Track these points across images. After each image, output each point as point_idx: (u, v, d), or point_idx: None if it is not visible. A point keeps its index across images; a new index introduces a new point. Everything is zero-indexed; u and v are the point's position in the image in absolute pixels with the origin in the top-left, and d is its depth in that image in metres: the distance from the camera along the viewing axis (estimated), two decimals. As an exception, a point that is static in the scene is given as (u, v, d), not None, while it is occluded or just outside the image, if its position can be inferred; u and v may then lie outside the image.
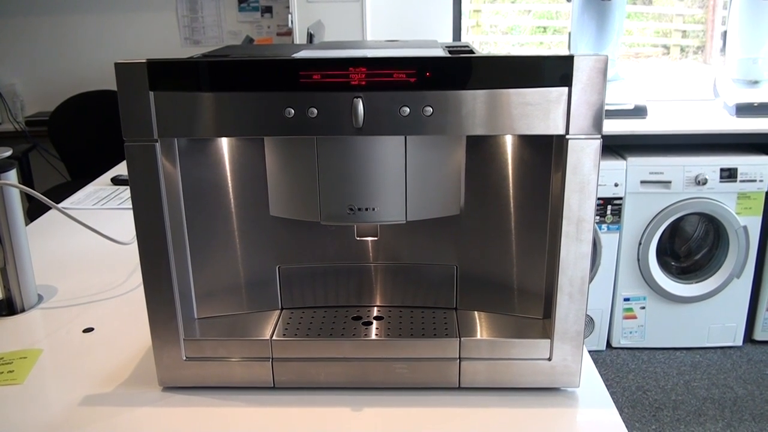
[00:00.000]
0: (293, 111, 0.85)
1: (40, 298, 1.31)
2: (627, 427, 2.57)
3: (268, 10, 3.99)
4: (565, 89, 0.84)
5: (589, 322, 2.99)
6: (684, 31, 3.86)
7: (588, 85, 0.84)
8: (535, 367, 0.96)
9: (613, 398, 2.68)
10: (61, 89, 3.93)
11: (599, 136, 0.86)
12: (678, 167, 2.76)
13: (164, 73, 0.85)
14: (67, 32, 4.02)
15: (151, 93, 0.86)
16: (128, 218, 1.76)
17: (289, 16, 3.39)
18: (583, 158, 0.86)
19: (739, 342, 3.05)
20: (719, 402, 2.70)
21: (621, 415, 2.58)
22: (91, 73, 4.01)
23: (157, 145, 0.88)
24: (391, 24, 3.51)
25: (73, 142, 3.84)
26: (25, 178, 3.66)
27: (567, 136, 0.86)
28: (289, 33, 3.67)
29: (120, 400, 0.97)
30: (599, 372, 2.88)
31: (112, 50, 4.02)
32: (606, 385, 2.99)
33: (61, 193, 2.76)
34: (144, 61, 0.85)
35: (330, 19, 3.33)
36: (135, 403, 0.96)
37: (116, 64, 0.85)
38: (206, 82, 0.85)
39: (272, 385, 0.98)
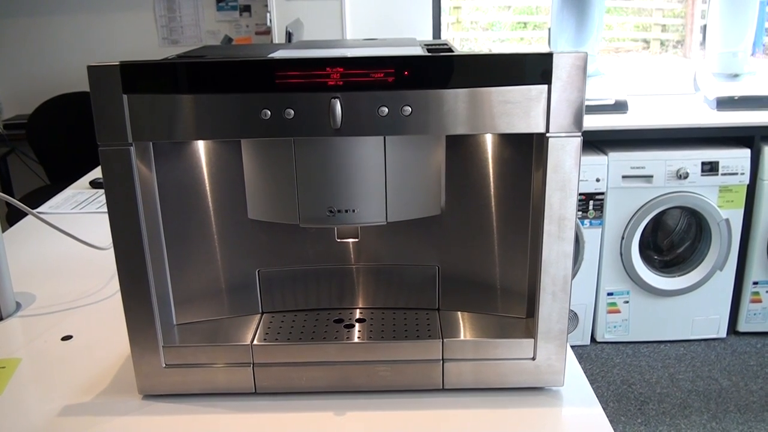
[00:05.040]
0: (270, 112, 0.84)
1: (19, 306, 1.29)
2: (613, 421, 2.57)
3: (246, 9, 3.96)
4: (545, 87, 0.83)
5: (573, 317, 2.99)
6: (664, 26, 3.87)
7: (567, 82, 0.83)
8: (519, 366, 0.95)
9: (598, 393, 2.70)
10: (39, 92, 3.88)
11: (579, 133, 0.85)
12: (659, 161, 2.77)
13: (137, 76, 0.84)
14: (45, 34, 3.97)
15: (125, 96, 0.84)
16: (107, 222, 1.73)
17: (268, 14, 3.37)
18: (563, 156, 0.86)
19: (723, 334, 3.07)
20: (704, 394, 2.71)
21: (606, 409, 2.60)
22: (69, 75, 3.96)
23: (132, 149, 0.86)
24: (371, 21, 3.50)
25: (52, 145, 3.79)
26: (4, 183, 3.62)
27: (547, 135, 0.85)
28: (268, 32, 3.65)
29: (100, 409, 0.96)
30: (584, 367, 2.90)
31: (90, 51, 3.98)
32: (591, 380, 2.98)
33: (40, 196, 2.73)
34: (117, 63, 0.83)
35: (309, 18, 3.31)
36: (115, 412, 0.95)
37: (89, 67, 0.83)
38: (180, 85, 0.84)
39: (254, 391, 0.97)
